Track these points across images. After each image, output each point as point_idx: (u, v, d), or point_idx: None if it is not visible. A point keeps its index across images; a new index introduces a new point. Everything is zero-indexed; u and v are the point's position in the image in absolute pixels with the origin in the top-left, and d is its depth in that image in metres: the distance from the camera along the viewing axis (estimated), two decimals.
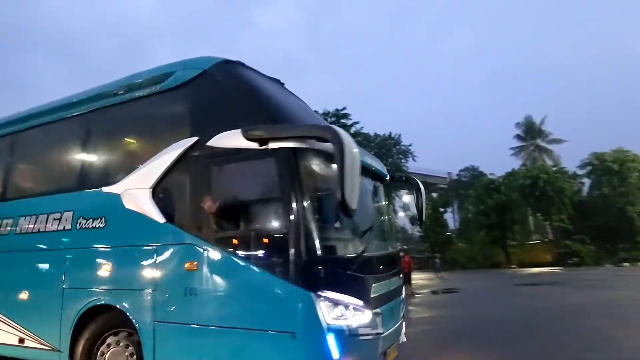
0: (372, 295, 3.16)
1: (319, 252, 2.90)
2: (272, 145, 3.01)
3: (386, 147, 34.13)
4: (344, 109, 28.47)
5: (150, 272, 3.39)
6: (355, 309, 2.90)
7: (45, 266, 4.09)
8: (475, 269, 30.35)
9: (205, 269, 3.12)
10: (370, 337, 3.05)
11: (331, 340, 2.75)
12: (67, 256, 3.91)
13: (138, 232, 3.54)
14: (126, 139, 4.39)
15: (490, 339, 6.11)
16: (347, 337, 2.81)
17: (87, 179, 4.22)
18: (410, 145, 34.61)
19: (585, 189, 36.35)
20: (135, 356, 3.38)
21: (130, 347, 3.43)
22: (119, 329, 3.52)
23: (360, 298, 2.96)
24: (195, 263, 3.14)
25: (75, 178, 4.32)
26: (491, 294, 13.43)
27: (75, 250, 3.89)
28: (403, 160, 34.54)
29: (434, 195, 40.79)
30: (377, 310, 3.15)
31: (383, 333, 3.22)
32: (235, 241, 3.17)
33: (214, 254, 3.13)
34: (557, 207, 32.02)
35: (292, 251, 2.84)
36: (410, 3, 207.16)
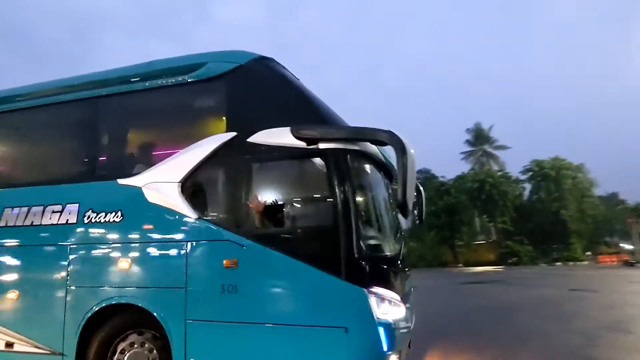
0: (404, 291, 3.32)
1: (369, 250, 3.03)
2: (323, 145, 3.06)
3: None
4: None
5: (179, 269, 3.22)
6: (395, 304, 2.99)
7: (44, 263, 3.68)
8: (425, 267, 31.64)
9: (247, 266, 3.07)
10: (405, 330, 3.16)
11: (381, 334, 2.82)
12: (72, 252, 3.56)
13: (164, 227, 3.37)
14: (146, 129, 4.21)
15: (440, 334, 6.44)
16: (392, 331, 2.89)
17: (97, 169, 3.89)
18: None
19: (526, 193, 39.03)
20: (154, 354, 3.26)
21: (147, 346, 3.29)
22: (137, 329, 3.34)
23: (397, 293, 3.06)
24: (235, 260, 3.09)
25: (82, 167, 3.98)
26: (440, 292, 14.09)
27: (84, 245, 3.55)
28: None
29: None
30: (407, 304, 3.28)
31: (411, 326, 3.41)
32: (282, 239, 3.15)
33: (258, 252, 3.07)
34: (501, 209, 34.26)
35: (344, 249, 2.91)
36: (367, 7, 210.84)
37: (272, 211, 3.17)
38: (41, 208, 3.71)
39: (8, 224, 3.80)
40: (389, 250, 3.42)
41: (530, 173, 37.80)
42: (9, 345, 3.56)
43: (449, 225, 34.88)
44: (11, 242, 3.79)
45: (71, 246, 3.56)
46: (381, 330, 2.82)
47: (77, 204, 3.61)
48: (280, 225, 3.21)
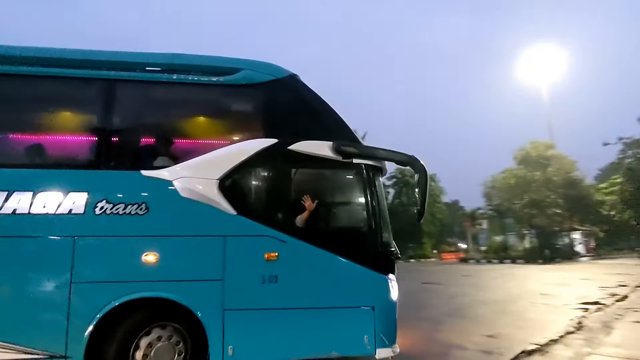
0: None
1: (386, 246, 3.88)
2: (357, 160, 3.84)
3: None
4: None
5: (216, 262, 3.45)
6: (396, 286, 3.87)
7: (42, 256, 3.30)
8: None
9: (288, 259, 3.55)
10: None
11: (395, 310, 3.78)
12: (78, 244, 3.30)
13: (199, 222, 3.52)
14: (169, 121, 4.17)
15: None
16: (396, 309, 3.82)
17: (109, 156, 3.63)
18: None
19: (390, 197, 43.60)
20: (180, 346, 3.36)
21: (173, 338, 3.38)
22: (159, 322, 3.38)
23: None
24: (276, 254, 3.53)
25: (97, 153, 3.65)
26: None
27: (94, 237, 3.37)
28: None
29: None
30: None
31: None
32: (320, 236, 3.72)
33: (299, 246, 3.60)
34: None
35: (372, 245, 3.81)
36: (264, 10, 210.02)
37: (311, 212, 3.70)
38: (29, 195, 3.29)
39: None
40: (393, 246, 4.05)
41: (394, 179, 42.33)
42: None
43: None
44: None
45: (78, 238, 3.32)
46: (395, 308, 3.79)
47: (87, 193, 3.39)
48: (318, 224, 3.80)
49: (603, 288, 11.79)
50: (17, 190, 3.29)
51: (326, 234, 3.85)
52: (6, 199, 3.24)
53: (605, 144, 31.94)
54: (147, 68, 3.87)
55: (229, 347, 3.35)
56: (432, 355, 5.00)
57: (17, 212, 3.26)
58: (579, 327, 6.30)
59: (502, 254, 31.23)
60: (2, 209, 3.24)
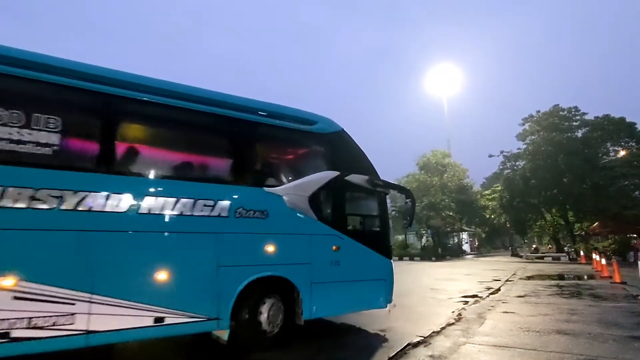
0: None
1: (392, 243, 7.04)
2: (379, 189, 6.33)
3: None
4: None
5: (307, 252, 5.31)
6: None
7: (197, 247, 4.48)
8: None
9: (344, 250, 5.60)
10: None
11: (393, 282, 6.30)
12: (224, 239, 4.65)
13: (297, 224, 5.26)
14: (276, 153, 6.13)
15: None
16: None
17: (244, 176, 5.07)
18: None
19: None
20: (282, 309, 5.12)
21: (280, 305, 5.10)
22: (268, 295, 5.01)
23: None
24: (338, 246, 5.56)
25: (231, 173, 5.06)
26: None
27: (234, 234, 4.72)
28: None
29: None
30: None
31: None
32: (360, 235, 5.93)
33: (349, 241, 5.70)
34: None
35: (386, 241, 6.48)
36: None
37: (355, 220, 6.09)
38: (192, 201, 4.46)
39: (163, 212, 4.31)
40: (392, 241, 6.47)
41: None
42: (159, 320, 4.10)
43: None
44: (159, 228, 4.31)
45: (223, 234, 4.65)
46: (393, 279, 6.28)
47: (229, 202, 4.70)
48: (360, 227, 6.14)
49: (481, 282, 13.36)
50: (183, 198, 4.41)
51: (362, 234, 6.09)
52: (175, 204, 4.37)
53: (490, 156, 36.33)
54: (255, 112, 5.32)
55: (314, 307, 5.23)
56: (325, 350, 5.10)
57: (183, 214, 4.41)
58: (459, 318, 6.99)
59: (402, 252, 33.61)
60: (174, 210, 4.35)
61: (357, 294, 5.76)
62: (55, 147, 3.88)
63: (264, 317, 4.90)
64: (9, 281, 3.47)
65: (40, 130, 3.80)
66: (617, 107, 41.21)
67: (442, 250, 36.07)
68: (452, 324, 6.55)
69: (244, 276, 4.71)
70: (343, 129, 6.17)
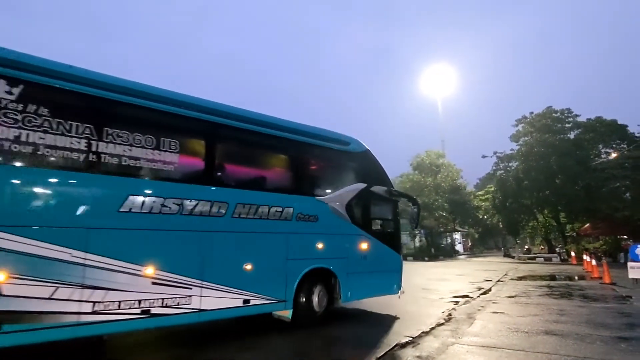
0: None
1: (392, 239, 7.94)
2: (394, 198, 8.00)
3: None
4: None
5: (344, 248, 6.88)
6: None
7: (272, 244, 5.90)
8: None
9: (371, 247, 7.20)
10: None
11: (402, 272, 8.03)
12: (289, 238, 6.09)
13: (337, 226, 6.77)
14: (323, 169, 7.28)
15: None
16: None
17: (302, 188, 6.49)
18: None
19: None
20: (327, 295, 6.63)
21: (324, 290, 6.59)
22: (317, 282, 6.46)
23: None
24: (366, 244, 7.15)
25: (292, 185, 6.47)
26: None
27: (296, 234, 6.17)
28: None
29: None
30: None
31: None
32: (381, 235, 7.55)
33: (373, 241, 7.30)
34: None
35: (399, 239, 8.19)
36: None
37: (377, 223, 7.72)
38: (267, 208, 5.80)
39: (249, 216, 5.61)
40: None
41: None
42: (247, 301, 5.43)
43: None
44: (243, 229, 5.54)
45: (289, 234, 6.09)
46: (402, 270, 8.00)
47: (292, 208, 6.11)
48: (381, 229, 7.78)
49: (473, 283, 13.39)
50: (263, 205, 5.70)
51: (382, 234, 7.71)
52: (257, 210, 5.63)
53: (484, 157, 36.43)
54: (304, 134, 6.71)
55: (349, 292, 6.76)
56: (313, 348, 5.06)
57: (262, 217, 5.72)
58: (449, 318, 6.98)
59: None
60: (255, 215, 5.63)
61: (378, 282, 7.48)
62: (175, 165, 4.99)
63: (315, 301, 6.39)
64: (150, 270, 4.59)
65: (165, 151, 4.88)
66: (611, 109, 41.58)
67: (435, 250, 36.17)
68: (442, 324, 6.54)
69: (303, 267, 6.22)
70: (368, 149, 7.75)
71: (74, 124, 4.28)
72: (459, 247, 46.93)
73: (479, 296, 9.98)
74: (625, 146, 30.41)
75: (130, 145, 4.65)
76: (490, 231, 53.62)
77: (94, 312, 4.20)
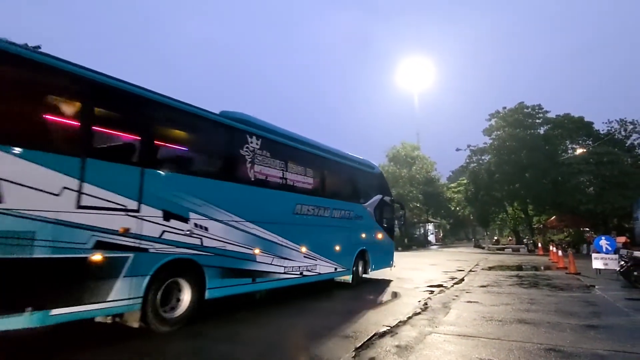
0: None
1: (390, 233, 12.40)
2: (393, 203, 12.81)
3: None
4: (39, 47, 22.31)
5: (372, 236, 10.87)
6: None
7: (344, 233, 9.48)
8: None
9: (382, 236, 11.48)
10: None
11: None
12: (351, 229, 9.74)
13: (370, 223, 10.78)
14: (364, 185, 10.98)
15: None
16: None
17: (356, 198, 10.31)
18: None
19: None
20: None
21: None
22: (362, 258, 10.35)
23: None
24: (380, 234, 11.39)
25: (352, 196, 10.14)
26: None
27: (344, 227, 9.49)
28: None
29: None
30: None
31: None
32: (386, 228, 11.87)
33: (383, 232, 11.55)
34: None
35: (393, 231, 12.90)
36: None
37: (385, 220, 11.79)
38: (338, 211, 9.34)
39: (333, 216, 9.12)
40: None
41: None
42: (335, 269, 8.94)
43: None
44: (331, 224, 9.03)
45: (351, 227, 9.81)
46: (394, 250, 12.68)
47: (352, 211, 9.81)
48: (386, 225, 11.92)
49: (446, 272, 13.67)
50: (341, 209, 9.40)
51: (386, 227, 11.83)
52: (340, 212, 9.40)
53: (458, 150, 37.15)
54: (343, 157, 10.10)
55: (373, 265, 10.66)
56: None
57: (342, 217, 9.42)
58: (425, 308, 7.04)
59: None
60: (339, 215, 9.30)
61: (384, 258, 11.63)
62: (311, 185, 8.44)
63: (360, 269, 10.22)
64: (303, 249, 7.78)
65: (308, 177, 8.33)
66: (579, 106, 43.07)
67: (408, 240, 36.80)
68: (419, 313, 6.58)
69: (357, 248, 10.01)
70: (381, 171, 13.16)
71: (279, 161, 7.47)
72: (431, 238, 48.00)
73: (452, 286, 10.17)
74: (590, 143, 31.74)
75: (297, 174, 7.97)
76: (461, 222, 55.12)
77: (284, 273, 7.33)
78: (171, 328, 5.11)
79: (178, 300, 5.34)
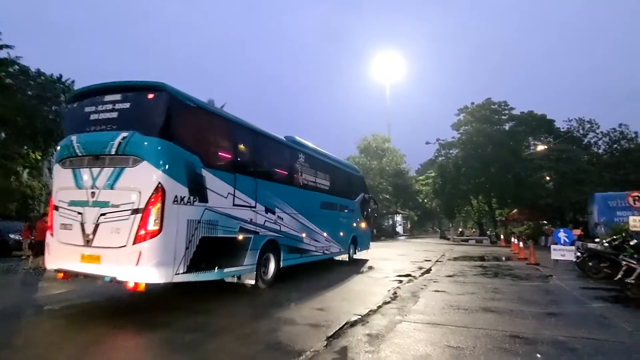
0: None
1: (369, 223, 15.83)
2: (370, 199, 15.83)
3: (53, 91, 27.62)
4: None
5: (359, 225, 14.05)
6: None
7: (345, 222, 12.61)
8: None
9: (364, 226, 14.81)
10: None
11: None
12: (348, 220, 12.92)
13: (357, 215, 13.90)
14: (355, 185, 14.11)
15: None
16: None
17: (349, 195, 13.25)
18: None
19: None
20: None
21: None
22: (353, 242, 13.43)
23: None
24: (363, 223, 14.60)
25: (347, 193, 13.04)
26: None
27: (344, 218, 12.56)
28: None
29: None
30: None
31: None
32: (366, 218, 14.90)
33: (365, 223, 14.78)
34: None
35: (370, 221, 15.97)
36: None
37: (366, 212, 14.97)
38: (337, 204, 12.18)
39: (333, 209, 11.84)
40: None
41: None
42: (340, 250, 12.09)
43: None
44: (331, 214, 11.64)
45: (343, 217, 12.62)
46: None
47: (347, 206, 13.11)
48: (365, 216, 14.86)
49: (414, 262, 13.96)
50: (342, 205, 12.76)
51: (367, 217, 14.85)
52: (340, 206, 12.50)
53: (427, 143, 37.95)
54: (340, 164, 13.53)
55: (358, 248, 13.97)
56: (261, 332, 4.88)
57: (342, 209, 12.65)
58: (394, 297, 7.14)
59: None
60: (341, 209, 12.51)
61: (366, 242, 14.78)
62: (328, 186, 11.37)
63: (352, 251, 13.14)
64: (325, 234, 10.85)
65: (325, 180, 11.17)
66: (541, 104, 44.98)
67: (377, 231, 37.39)
68: (388, 302, 6.66)
69: (351, 234, 13.01)
70: (362, 173, 17.42)
71: (313, 170, 10.35)
72: (399, 229, 49.02)
73: (421, 275, 10.38)
74: (551, 140, 33.20)
75: (322, 178, 10.91)
76: (428, 214, 56.57)
77: (315, 251, 10.19)
78: (266, 286, 7.71)
79: (268, 267, 7.95)
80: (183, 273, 5.47)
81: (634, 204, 11.86)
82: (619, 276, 7.29)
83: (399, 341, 4.45)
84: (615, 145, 33.86)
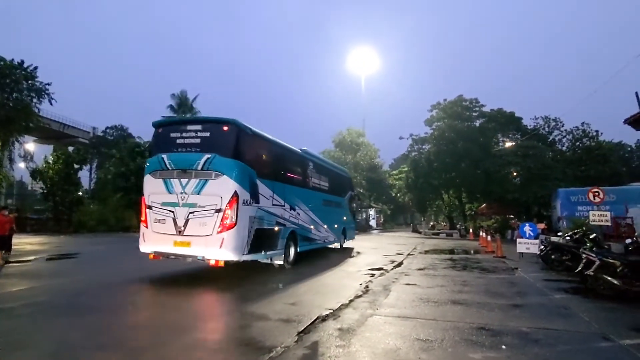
0: None
1: (354, 217, 18.88)
2: (355, 195, 20.31)
3: (12, 77, 26.08)
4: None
5: (348, 218, 16.70)
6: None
7: (338, 216, 15.21)
8: (106, 232, 28.42)
9: (352, 218, 17.89)
10: None
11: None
12: (340, 214, 15.57)
13: (346, 209, 16.57)
14: (344, 185, 16.80)
15: (81, 311, 5.57)
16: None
17: (340, 192, 15.58)
18: (48, 84, 28.08)
19: None
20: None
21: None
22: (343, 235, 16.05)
23: None
24: (351, 216, 17.52)
25: (338, 191, 15.38)
26: (107, 258, 12.84)
27: (338, 213, 15.23)
28: (35, 100, 27.67)
29: (71, 149, 34.80)
30: None
31: None
32: (352, 212, 17.97)
33: (352, 215, 17.68)
34: None
35: (355, 214, 20.23)
36: None
37: (353, 207, 18.33)
38: (336, 202, 15.36)
39: (331, 205, 14.35)
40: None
41: None
42: (335, 239, 14.68)
43: (138, 188, 32.72)
44: (326, 208, 13.55)
45: (337, 211, 15.27)
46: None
47: (339, 202, 15.81)
48: (352, 209, 18.19)
49: (386, 256, 14.14)
50: (335, 201, 15.40)
51: (352, 211, 17.76)
52: (334, 202, 14.82)
53: (401, 138, 38.45)
54: (344, 171, 18.68)
55: (347, 239, 16.61)
56: (234, 328, 4.80)
57: (337, 205, 15.34)
58: (366, 290, 7.19)
59: None
60: (335, 204, 14.99)
61: (352, 233, 17.39)
62: (328, 187, 13.92)
63: (342, 240, 15.77)
64: (326, 225, 13.34)
65: (325, 181, 13.68)
66: (510, 101, 46.32)
67: None
68: (360, 296, 6.69)
69: (342, 226, 15.53)
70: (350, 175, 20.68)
71: (317, 173, 12.87)
72: (372, 223, 49.65)
73: (392, 269, 10.51)
74: (519, 136, 34.35)
75: (323, 180, 13.28)
76: (401, 208, 57.58)
77: (319, 240, 12.48)
78: (289, 266, 9.79)
79: (289, 252, 9.95)
80: (246, 254, 7.66)
81: (594, 199, 12.42)
82: (579, 268, 7.60)
83: (369, 335, 4.47)
84: (578, 143, 35.47)
